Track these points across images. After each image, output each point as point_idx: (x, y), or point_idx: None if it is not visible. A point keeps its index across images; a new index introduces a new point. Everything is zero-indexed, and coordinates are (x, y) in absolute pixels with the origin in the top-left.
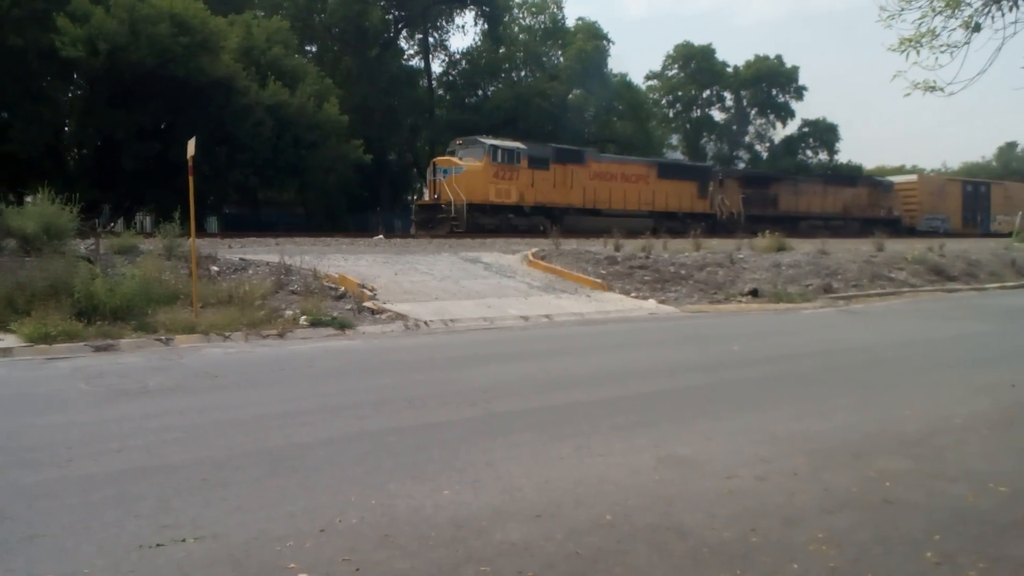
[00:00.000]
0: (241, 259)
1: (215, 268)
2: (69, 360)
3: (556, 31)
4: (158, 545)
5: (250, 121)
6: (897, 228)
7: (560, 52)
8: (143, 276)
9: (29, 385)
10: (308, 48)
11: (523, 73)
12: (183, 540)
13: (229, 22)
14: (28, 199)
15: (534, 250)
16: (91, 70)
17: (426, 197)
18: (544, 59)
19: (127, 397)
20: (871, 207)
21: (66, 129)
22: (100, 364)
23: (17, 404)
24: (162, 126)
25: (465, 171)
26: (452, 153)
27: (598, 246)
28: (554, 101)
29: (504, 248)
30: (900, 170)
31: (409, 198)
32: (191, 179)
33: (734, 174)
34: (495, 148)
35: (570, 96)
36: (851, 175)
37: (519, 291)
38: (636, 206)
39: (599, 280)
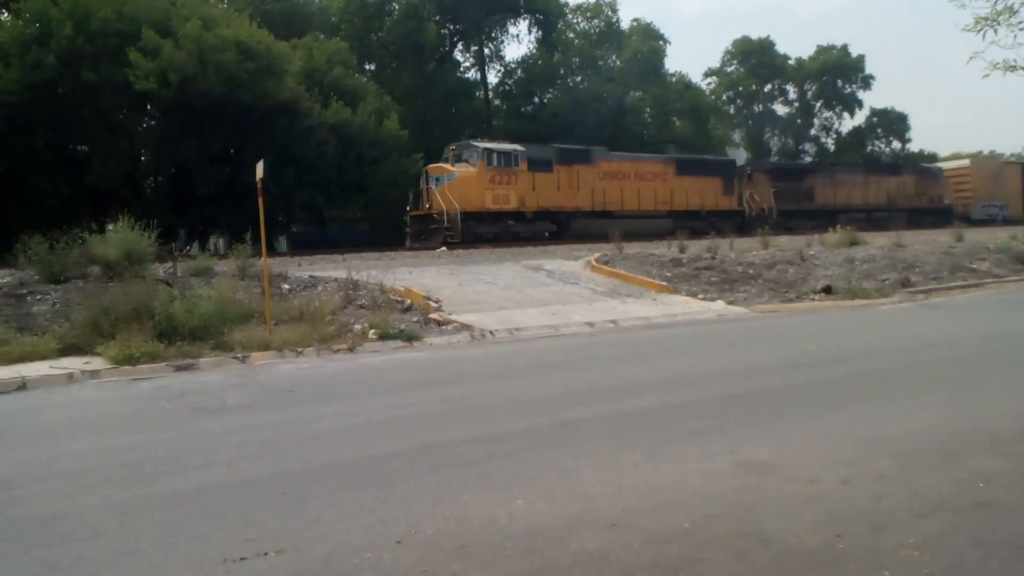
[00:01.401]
0: (310, 276)
1: (286, 286)
2: (152, 380)
3: (611, 34)
4: (242, 559)
5: (314, 141)
6: (948, 218)
7: (615, 55)
8: (219, 297)
9: (116, 405)
10: (367, 67)
11: (579, 78)
12: (265, 554)
13: (292, 46)
14: (109, 227)
15: (597, 255)
16: (163, 101)
17: (421, 207)
18: (600, 63)
19: (208, 414)
20: (918, 196)
21: (142, 158)
22: (181, 383)
23: (106, 424)
24: (231, 151)
25: (458, 178)
26: (446, 160)
27: (662, 248)
28: (611, 104)
29: (566, 254)
30: (977, 156)
31: (406, 208)
32: (261, 201)
33: (764, 167)
34: (489, 152)
35: (627, 98)
36: (895, 162)
37: (583, 297)
38: (652, 206)
39: (664, 283)
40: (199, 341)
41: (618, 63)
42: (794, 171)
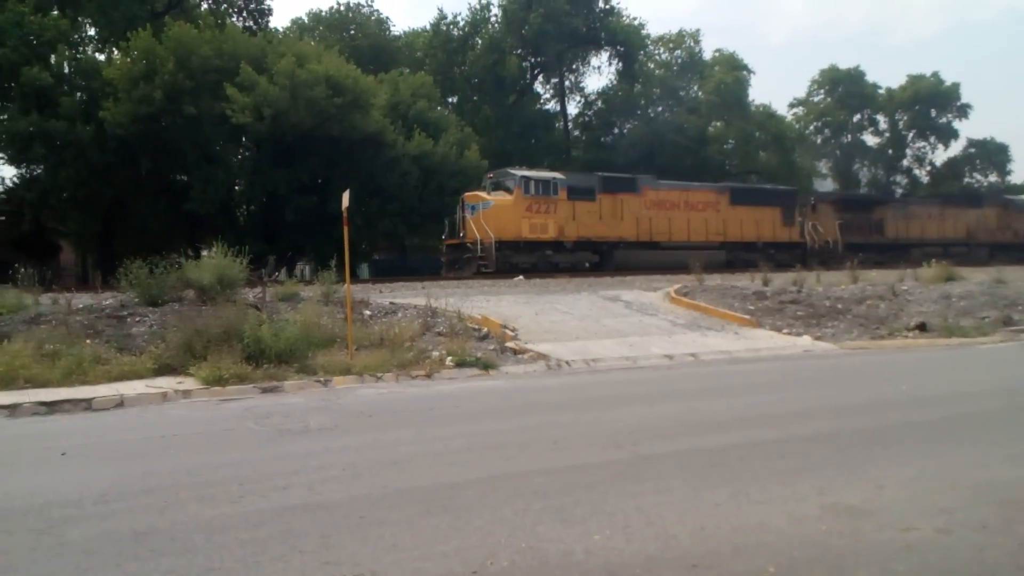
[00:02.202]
0: (391, 303)
1: (367, 312)
2: (240, 401)
3: (693, 64)
4: None
5: (398, 172)
6: None
7: (698, 85)
8: (304, 322)
9: (206, 424)
10: (449, 99)
11: (659, 108)
12: None
13: (378, 80)
14: (204, 253)
15: (676, 286)
16: (257, 133)
17: (458, 235)
18: (681, 93)
19: (291, 436)
20: (1001, 230)
21: (236, 188)
22: (267, 404)
23: (196, 442)
24: (319, 181)
25: (494, 206)
26: (484, 188)
27: (744, 280)
28: (691, 135)
29: (645, 285)
30: None
31: (443, 237)
32: (346, 229)
33: (828, 198)
34: (527, 180)
35: (709, 129)
36: (977, 194)
37: (662, 329)
38: (703, 237)
39: (747, 316)
40: (284, 364)
41: (700, 93)
42: (862, 202)
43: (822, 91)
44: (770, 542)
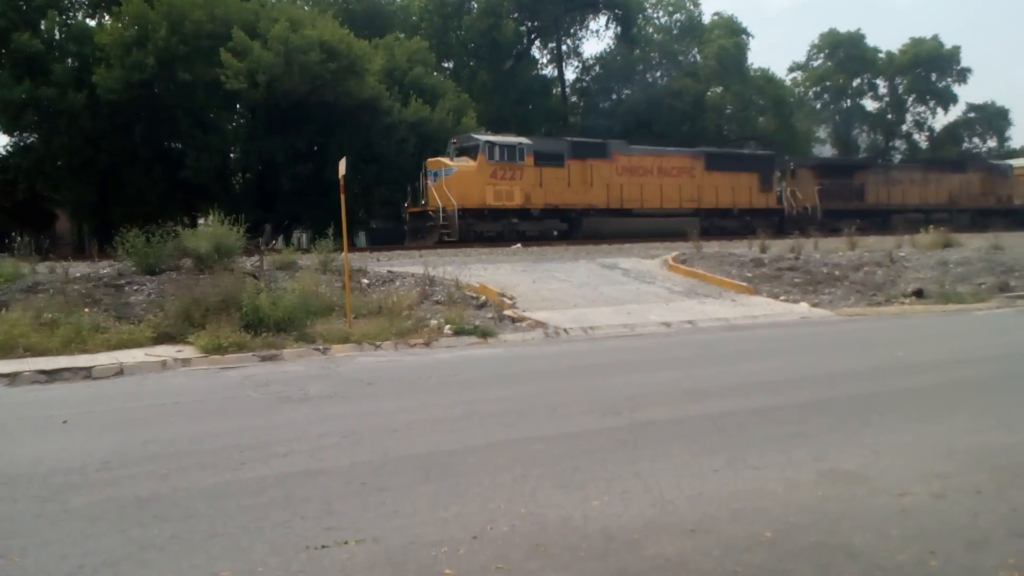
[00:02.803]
0: (389, 271)
1: (365, 281)
2: (239, 369)
3: (692, 28)
4: (323, 547)
5: (394, 139)
6: (1018, 219)
7: (696, 50)
8: (302, 290)
9: (206, 392)
10: (446, 65)
11: (658, 74)
12: (345, 542)
13: (373, 46)
14: (201, 221)
15: (674, 254)
16: (251, 100)
17: (420, 203)
18: (680, 58)
19: (291, 404)
20: (984, 195)
21: (231, 155)
22: (266, 373)
23: (197, 410)
24: (315, 148)
25: (456, 172)
26: (448, 154)
27: (742, 247)
28: (689, 101)
29: (642, 253)
30: None
31: (405, 204)
32: (343, 197)
33: (808, 163)
34: (491, 145)
35: (708, 94)
36: (959, 159)
37: (660, 296)
38: (677, 203)
39: (745, 283)
40: (283, 332)
41: (699, 58)
42: (843, 167)
43: (822, 55)
44: (767, 507)
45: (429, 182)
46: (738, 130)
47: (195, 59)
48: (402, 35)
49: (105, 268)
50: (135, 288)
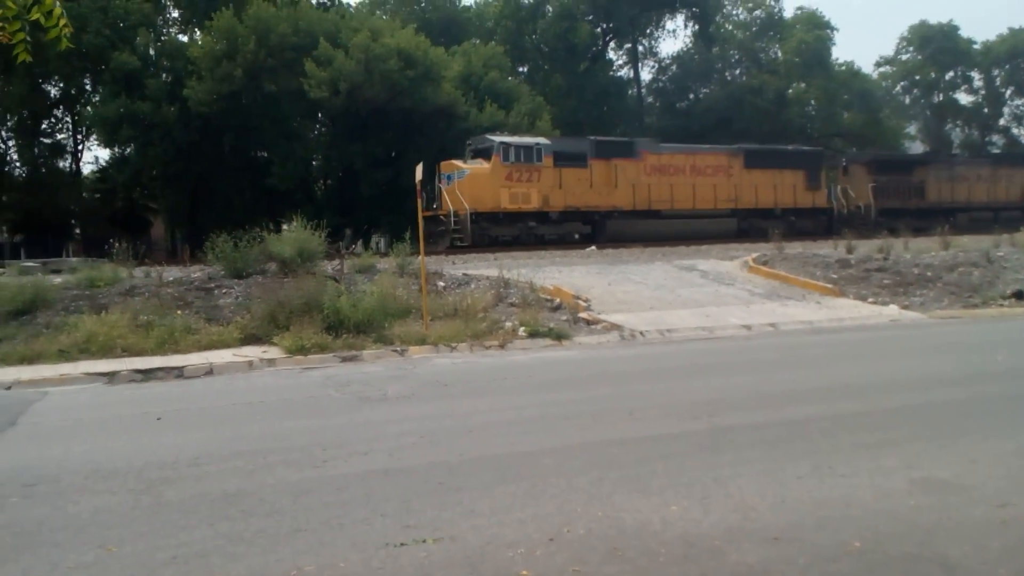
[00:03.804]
0: (464, 274)
1: (441, 283)
2: (321, 369)
3: (773, 24)
4: (402, 544)
5: None
6: None
7: (778, 46)
8: (380, 293)
9: (290, 392)
10: (520, 69)
11: (737, 71)
12: (424, 541)
13: (450, 53)
14: (285, 227)
15: (755, 255)
16: (333, 108)
17: (432, 207)
18: (760, 55)
19: (370, 404)
20: None
21: (314, 163)
22: (347, 373)
23: (281, 409)
24: (393, 154)
25: (469, 175)
26: (466, 156)
27: (827, 248)
28: (770, 98)
29: (721, 254)
30: None
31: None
32: (420, 202)
33: (861, 159)
34: (506, 146)
35: (789, 91)
36: None
37: (739, 299)
38: (711, 204)
39: (830, 285)
40: (362, 334)
41: (780, 54)
42: (900, 163)
43: (911, 48)
44: (855, 516)
45: (443, 185)
46: (822, 127)
47: (280, 70)
48: (477, 41)
49: (196, 272)
50: (224, 291)
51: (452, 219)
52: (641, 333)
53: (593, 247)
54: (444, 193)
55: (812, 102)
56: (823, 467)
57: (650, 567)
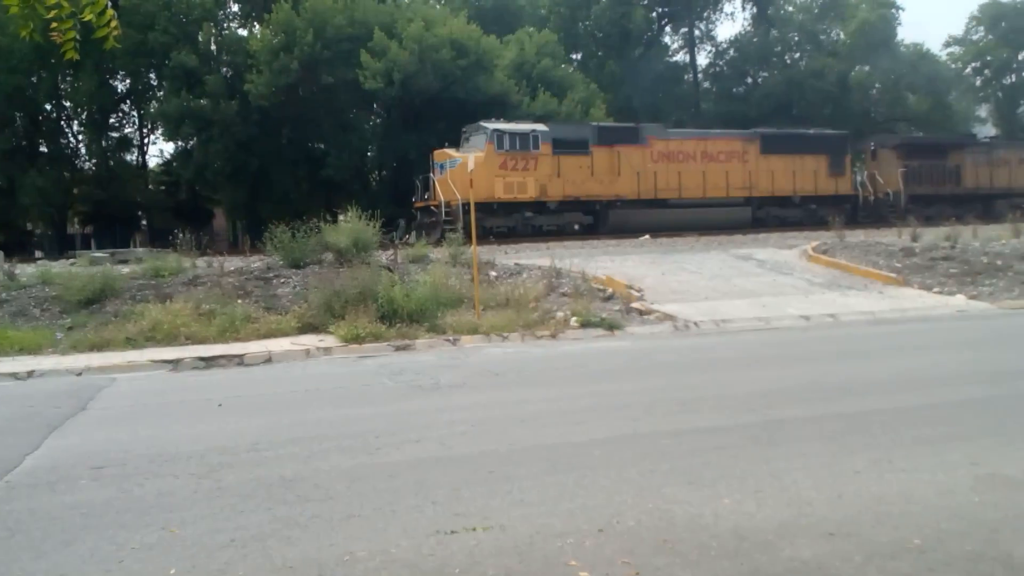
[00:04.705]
0: (516, 264)
1: (493, 273)
2: (375, 358)
3: (835, 4)
4: (452, 532)
5: None
6: None
7: (840, 27)
8: (433, 283)
9: (345, 380)
10: (573, 56)
11: (797, 55)
12: (473, 529)
13: (503, 42)
14: (340, 217)
15: (814, 244)
16: (387, 99)
17: (423, 197)
18: (822, 37)
19: (423, 392)
20: None
21: (369, 153)
22: (400, 362)
23: (336, 397)
24: (446, 144)
25: (461, 164)
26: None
27: (891, 236)
28: (832, 81)
29: (779, 243)
30: None
31: (413, 199)
32: (471, 192)
33: (891, 142)
34: (499, 133)
35: (852, 74)
36: None
37: (798, 289)
38: (723, 191)
39: (893, 274)
40: (416, 323)
41: (842, 36)
42: (934, 147)
43: (982, 28)
44: (915, 512)
45: (435, 175)
46: (887, 111)
47: (336, 62)
48: (531, 29)
49: (256, 262)
50: (282, 281)
51: (443, 210)
52: (695, 323)
53: (647, 236)
54: (437, 183)
55: (876, 85)
56: (882, 461)
57: (701, 560)
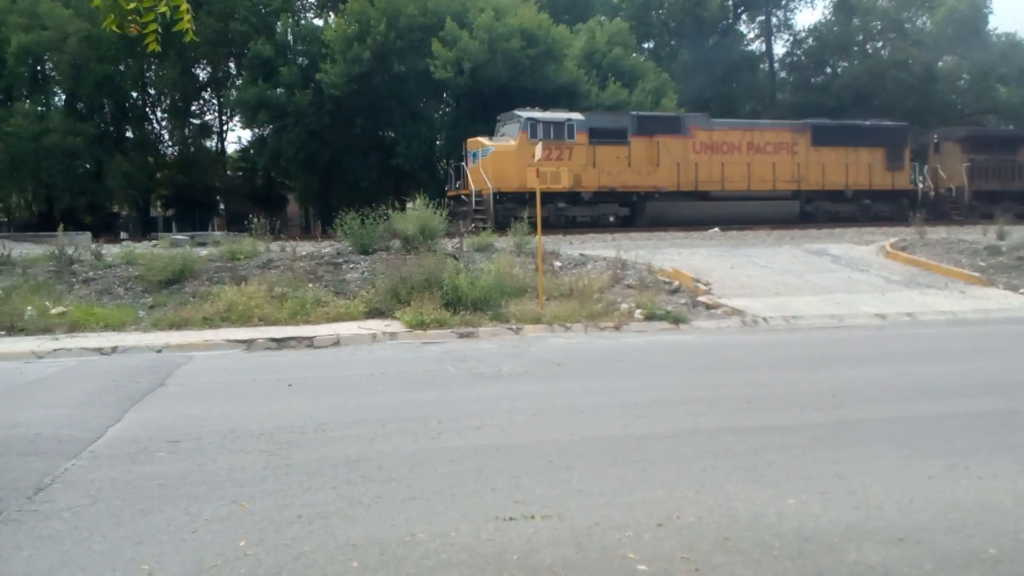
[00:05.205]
0: (580, 255)
1: (557, 263)
2: (439, 345)
3: None
4: (511, 519)
5: None
6: None
7: (926, 15)
8: (497, 271)
9: (410, 365)
10: (645, 45)
11: (879, 44)
12: (532, 517)
13: (574, 31)
14: (408, 205)
15: (893, 240)
16: (457, 88)
17: (457, 185)
18: (907, 25)
19: (484, 380)
20: None
21: (438, 142)
22: (463, 349)
23: (401, 381)
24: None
25: (493, 153)
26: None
27: (975, 234)
28: (917, 72)
29: (855, 238)
30: None
31: (446, 187)
32: (537, 181)
33: (955, 135)
34: (533, 122)
35: (939, 64)
36: None
37: (874, 286)
38: (770, 184)
39: (976, 273)
40: (479, 311)
41: (928, 24)
42: (1003, 140)
43: None
44: (992, 521)
45: (467, 164)
46: (975, 103)
47: (408, 51)
48: (603, 18)
49: (326, 247)
50: (351, 266)
51: (474, 199)
52: (764, 319)
53: (716, 228)
54: (469, 172)
55: (964, 76)
56: (958, 467)
57: (762, 559)
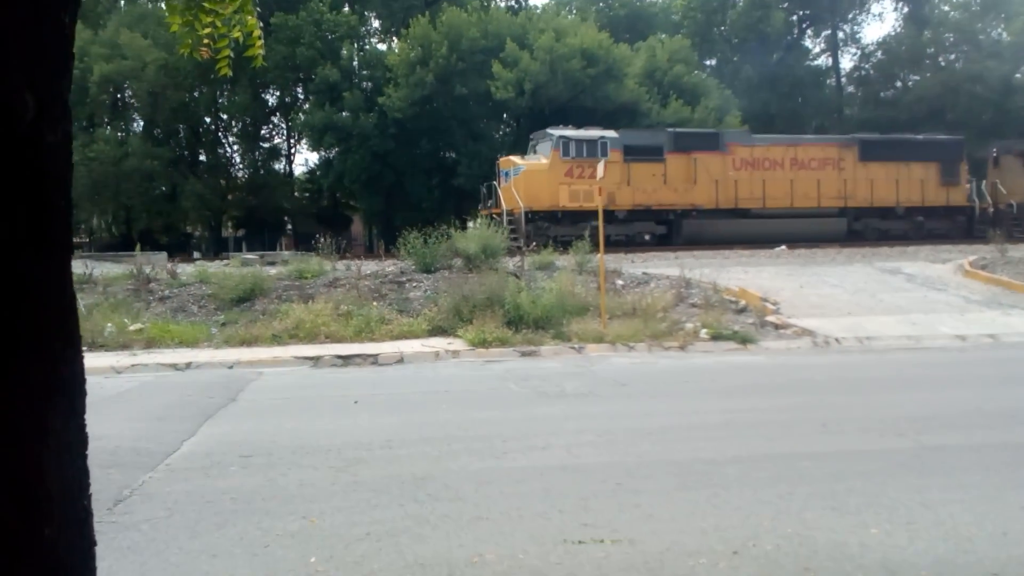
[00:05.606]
0: (643, 273)
1: (620, 282)
2: (501, 363)
3: (997, 2)
4: (580, 542)
5: None
6: None
7: (1003, 26)
8: (559, 290)
9: (473, 383)
10: (707, 63)
11: (952, 56)
12: (601, 541)
13: (635, 49)
14: (470, 224)
15: (972, 258)
16: (517, 108)
17: (487, 204)
18: (981, 37)
19: (548, 399)
20: None
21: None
22: (526, 368)
23: (465, 399)
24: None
25: (525, 171)
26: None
27: None
28: (992, 85)
29: (931, 256)
30: None
31: (479, 207)
32: (600, 200)
33: (1016, 148)
34: (565, 140)
35: (1016, 76)
36: None
37: (952, 306)
38: (814, 202)
39: None
40: (541, 330)
41: (1005, 36)
42: None
43: None
44: None
45: (499, 183)
46: None
47: (469, 73)
48: (664, 35)
49: (390, 266)
50: (414, 285)
51: (505, 218)
52: (836, 340)
53: (783, 246)
54: (501, 191)
55: None
56: None
57: None
